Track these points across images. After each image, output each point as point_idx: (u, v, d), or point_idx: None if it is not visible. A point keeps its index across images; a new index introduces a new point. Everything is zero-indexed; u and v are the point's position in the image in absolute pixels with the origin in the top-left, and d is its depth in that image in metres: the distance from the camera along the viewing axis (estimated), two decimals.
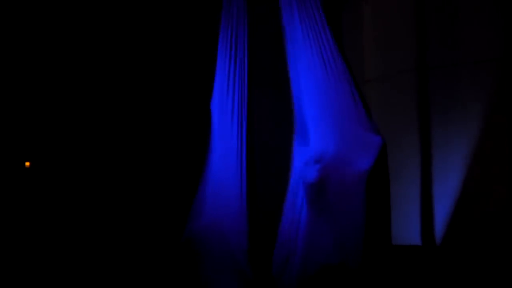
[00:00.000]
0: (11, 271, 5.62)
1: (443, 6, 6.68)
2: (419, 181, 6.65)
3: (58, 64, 6.96)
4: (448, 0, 6.65)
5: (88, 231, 6.53)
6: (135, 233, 6.49)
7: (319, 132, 4.83)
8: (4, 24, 6.65)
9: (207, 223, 4.91)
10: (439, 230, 6.51)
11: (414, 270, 5.71)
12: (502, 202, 6.19)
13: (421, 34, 6.80)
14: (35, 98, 6.88)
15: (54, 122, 6.95)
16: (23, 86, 6.81)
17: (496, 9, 6.43)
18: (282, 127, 7.41)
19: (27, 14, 6.73)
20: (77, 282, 5.40)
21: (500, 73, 6.38)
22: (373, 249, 4.66)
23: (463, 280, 5.38)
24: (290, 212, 4.91)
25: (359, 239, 4.67)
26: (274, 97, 7.27)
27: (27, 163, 6.87)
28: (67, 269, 5.79)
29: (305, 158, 4.81)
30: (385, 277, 4.68)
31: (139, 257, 5.87)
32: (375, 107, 7.04)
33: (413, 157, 6.70)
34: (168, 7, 7.19)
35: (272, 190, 6.85)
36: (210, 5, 5.74)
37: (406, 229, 6.65)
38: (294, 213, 4.86)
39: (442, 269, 5.78)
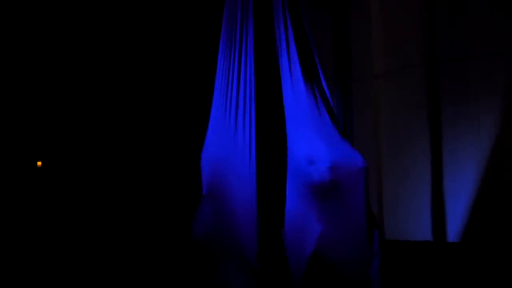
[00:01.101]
0: (20, 267, 5.69)
1: None
2: (430, 176, 6.59)
3: (70, 66, 7.02)
4: None
5: (98, 229, 6.59)
6: (144, 231, 6.53)
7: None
8: (15, 26, 6.71)
9: (217, 224, 4.91)
10: (450, 226, 6.46)
11: (425, 265, 5.67)
12: None
13: (430, 27, 6.71)
14: (46, 99, 6.94)
15: (66, 122, 7.01)
16: (34, 88, 6.88)
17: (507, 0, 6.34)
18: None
19: (35, 16, 6.79)
20: (87, 280, 5.45)
21: None
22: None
23: (475, 277, 5.33)
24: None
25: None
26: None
27: (39, 163, 6.94)
28: (78, 267, 5.84)
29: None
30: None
31: (148, 255, 5.90)
32: (383, 102, 7.00)
33: (423, 153, 6.64)
34: (168, 5, 7.19)
35: (282, 191, 6.86)
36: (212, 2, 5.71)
37: (417, 225, 6.61)
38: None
39: (453, 265, 5.73)
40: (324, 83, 4.97)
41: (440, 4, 6.67)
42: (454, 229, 6.42)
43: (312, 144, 4.75)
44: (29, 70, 6.85)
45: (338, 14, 7.08)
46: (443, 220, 6.49)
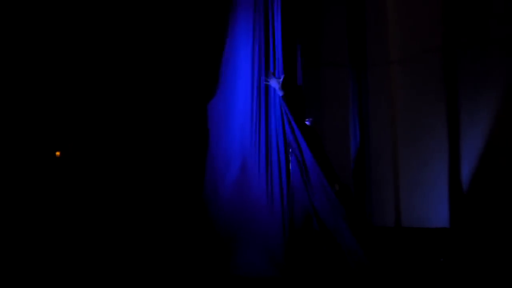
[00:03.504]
0: (36, 257, 5.79)
1: None
2: (447, 163, 6.51)
3: (87, 59, 7.09)
4: None
5: (118, 216, 6.66)
6: (167, 219, 6.58)
7: None
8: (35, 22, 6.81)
9: (243, 215, 5.02)
10: (468, 213, 6.38)
11: (443, 252, 5.62)
12: None
13: (447, 11, 6.58)
14: (65, 90, 7.02)
15: (85, 114, 7.09)
16: (53, 80, 6.96)
17: None
18: None
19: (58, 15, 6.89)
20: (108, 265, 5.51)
21: None
22: None
23: (490, 262, 5.26)
24: None
25: None
26: None
27: (58, 153, 7.02)
28: (96, 255, 5.92)
29: None
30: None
31: (173, 240, 5.96)
32: (399, 89, 6.90)
33: (441, 139, 6.55)
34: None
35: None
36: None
37: (435, 212, 6.55)
38: None
39: (469, 251, 5.67)
40: None
41: None
42: (471, 217, 6.34)
43: None
44: (48, 64, 6.94)
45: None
46: (461, 207, 6.41)
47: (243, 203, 5.04)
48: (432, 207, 6.57)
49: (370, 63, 7.02)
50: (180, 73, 7.27)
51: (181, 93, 7.23)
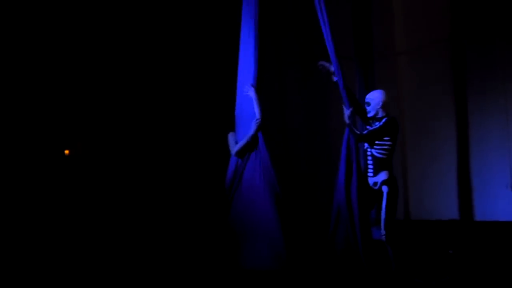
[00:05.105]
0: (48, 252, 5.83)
1: None
2: (456, 155, 6.49)
3: (97, 60, 7.15)
4: None
5: (132, 213, 6.70)
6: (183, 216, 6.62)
7: None
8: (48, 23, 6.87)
9: (246, 213, 5.08)
10: (478, 204, 6.36)
11: (451, 243, 5.61)
12: None
13: (455, 1, 6.54)
14: (74, 89, 7.07)
15: (94, 112, 7.14)
16: (64, 79, 7.01)
17: None
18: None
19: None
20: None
21: None
22: None
23: (501, 254, 5.24)
24: None
25: None
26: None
27: (67, 151, 7.07)
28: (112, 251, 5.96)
29: None
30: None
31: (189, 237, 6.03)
32: (407, 80, 6.88)
33: (449, 132, 6.53)
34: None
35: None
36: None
37: (444, 204, 6.53)
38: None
39: (479, 243, 5.65)
40: None
41: None
42: (481, 208, 6.33)
43: None
44: (58, 65, 7.00)
45: None
46: (470, 199, 6.39)
47: (250, 200, 5.11)
48: (441, 199, 6.55)
49: (377, 55, 6.94)
50: (187, 72, 7.31)
51: (190, 91, 7.27)
